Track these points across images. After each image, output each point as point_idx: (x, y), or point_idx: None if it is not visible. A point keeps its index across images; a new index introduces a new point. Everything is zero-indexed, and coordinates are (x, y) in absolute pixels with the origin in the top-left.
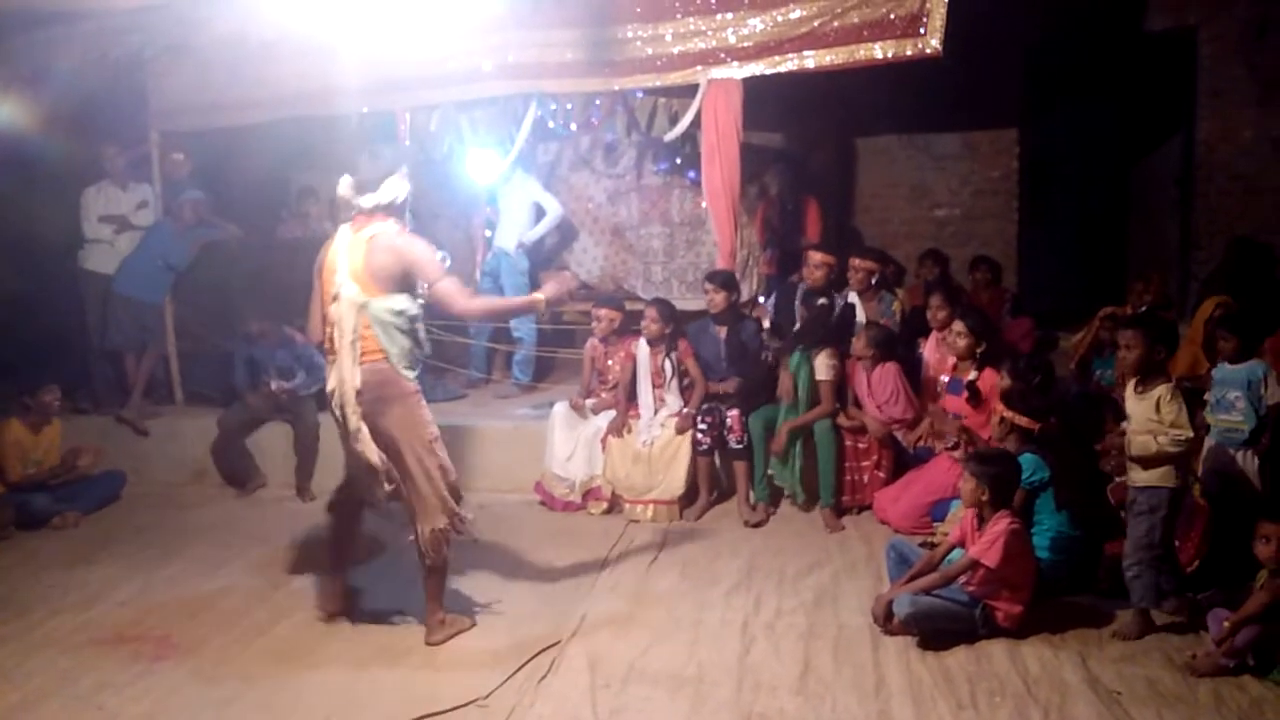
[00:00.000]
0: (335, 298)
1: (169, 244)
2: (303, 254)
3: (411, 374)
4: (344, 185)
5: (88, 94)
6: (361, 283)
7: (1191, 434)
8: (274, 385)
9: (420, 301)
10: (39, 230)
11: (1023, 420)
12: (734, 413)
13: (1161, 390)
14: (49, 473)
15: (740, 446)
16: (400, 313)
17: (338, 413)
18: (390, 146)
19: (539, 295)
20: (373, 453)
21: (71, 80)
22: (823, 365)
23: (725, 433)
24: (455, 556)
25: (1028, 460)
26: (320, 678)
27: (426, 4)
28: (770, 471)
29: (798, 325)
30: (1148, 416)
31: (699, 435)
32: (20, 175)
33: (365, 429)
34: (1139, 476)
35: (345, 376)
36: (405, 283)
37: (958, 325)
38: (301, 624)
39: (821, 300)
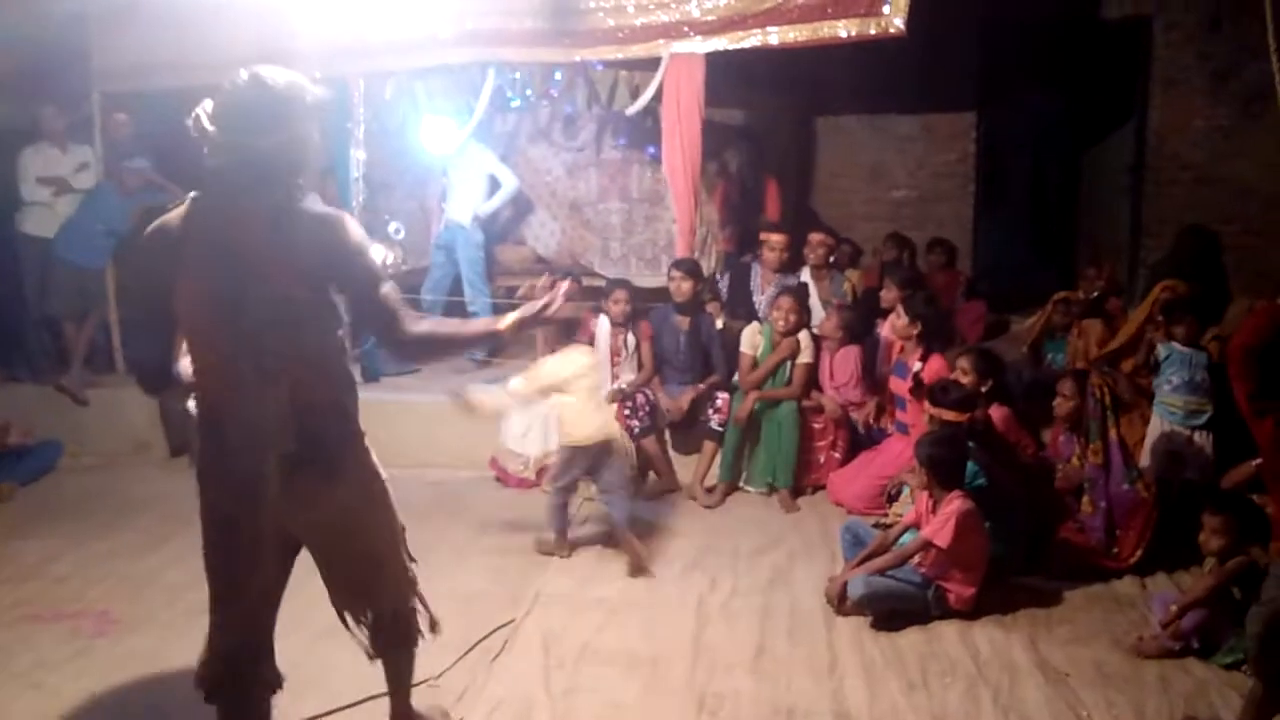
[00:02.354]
0: None
1: (111, 208)
2: None
3: None
4: None
5: (26, 52)
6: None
7: None
8: None
9: None
10: None
11: (949, 415)
12: (725, 396)
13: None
14: None
15: (719, 429)
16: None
17: None
18: None
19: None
20: None
21: (9, 37)
22: (805, 346)
23: (710, 413)
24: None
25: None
26: None
27: None
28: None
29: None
30: None
31: (627, 417)
32: None
33: None
34: None
35: None
36: None
37: (900, 309)
38: None
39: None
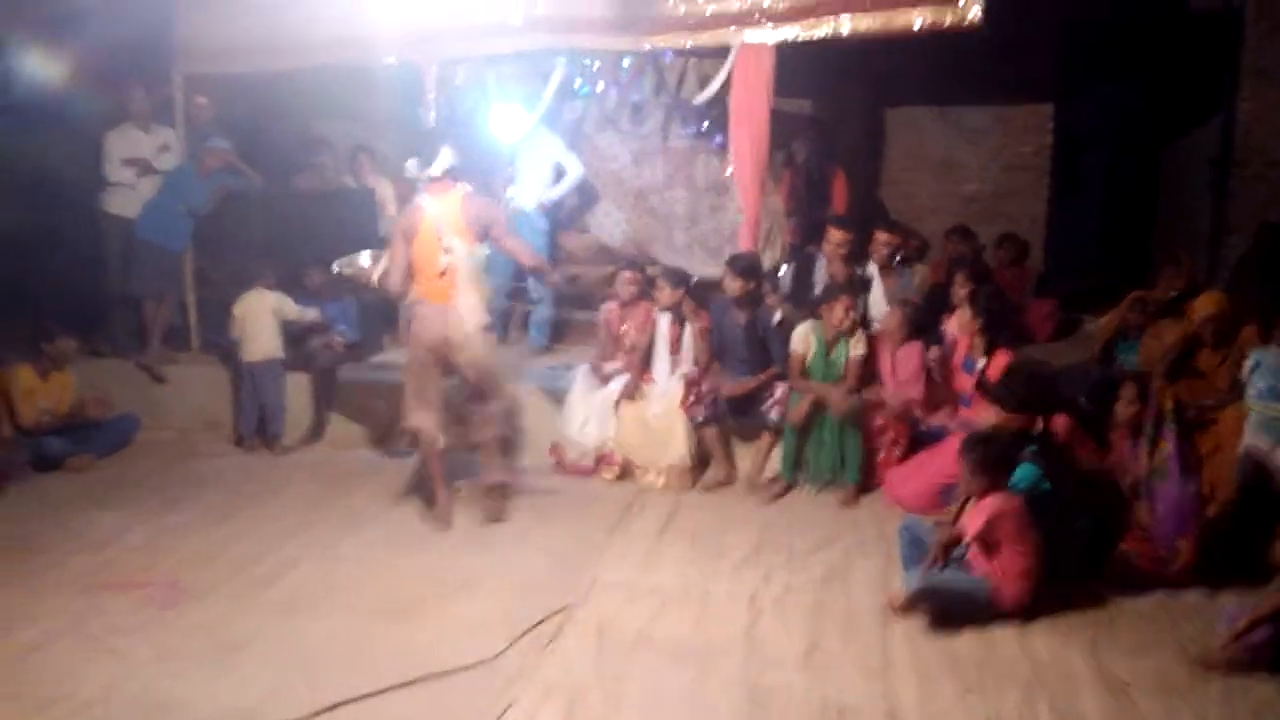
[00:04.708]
0: (448, 250)
1: (191, 190)
2: (321, 206)
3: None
4: (410, 166)
5: (111, 34)
6: (463, 236)
7: None
8: (337, 339)
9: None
10: (60, 172)
11: (1008, 419)
12: (784, 387)
13: None
14: (59, 420)
15: (778, 421)
16: (487, 257)
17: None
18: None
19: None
20: (478, 354)
21: (95, 20)
22: (859, 342)
23: (767, 406)
24: (463, 516)
25: (1027, 471)
26: (327, 630)
27: None
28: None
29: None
30: None
31: (690, 405)
32: (42, 116)
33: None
34: None
35: (466, 312)
36: (484, 235)
37: (965, 305)
38: (311, 576)
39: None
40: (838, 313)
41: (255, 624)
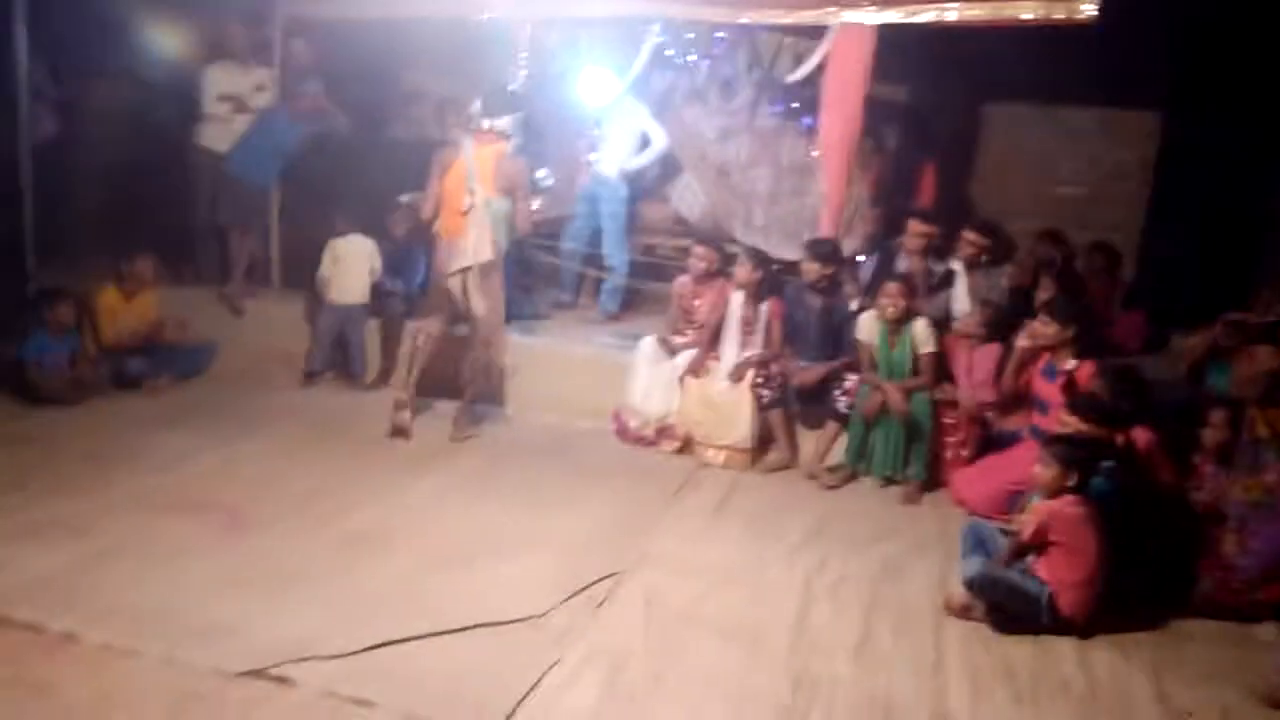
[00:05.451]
0: (471, 192)
1: (283, 131)
2: (405, 154)
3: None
4: (475, 107)
5: None
6: (487, 186)
7: None
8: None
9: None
10: (157, 104)
11: (1087, 428)
12: (854, 377)
13: None
14: (139, 339)
15: (846, 411)
16: (506, 212)
17: (460, 276)
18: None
19: None
20: (480, 305)
21: None
22: (925, 336)
23: (836, 396)
24: (525, 472)
25: (1101, 484)
26: (382, 573)
27: None
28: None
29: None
30: None
31: (758, 386)
32: (141, 48)
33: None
34: None
35: (474, 249)
36: (509, 192)
37: (1042, 313)
38: (375, 518)
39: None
40: (883, 300)
41: (312, 558)
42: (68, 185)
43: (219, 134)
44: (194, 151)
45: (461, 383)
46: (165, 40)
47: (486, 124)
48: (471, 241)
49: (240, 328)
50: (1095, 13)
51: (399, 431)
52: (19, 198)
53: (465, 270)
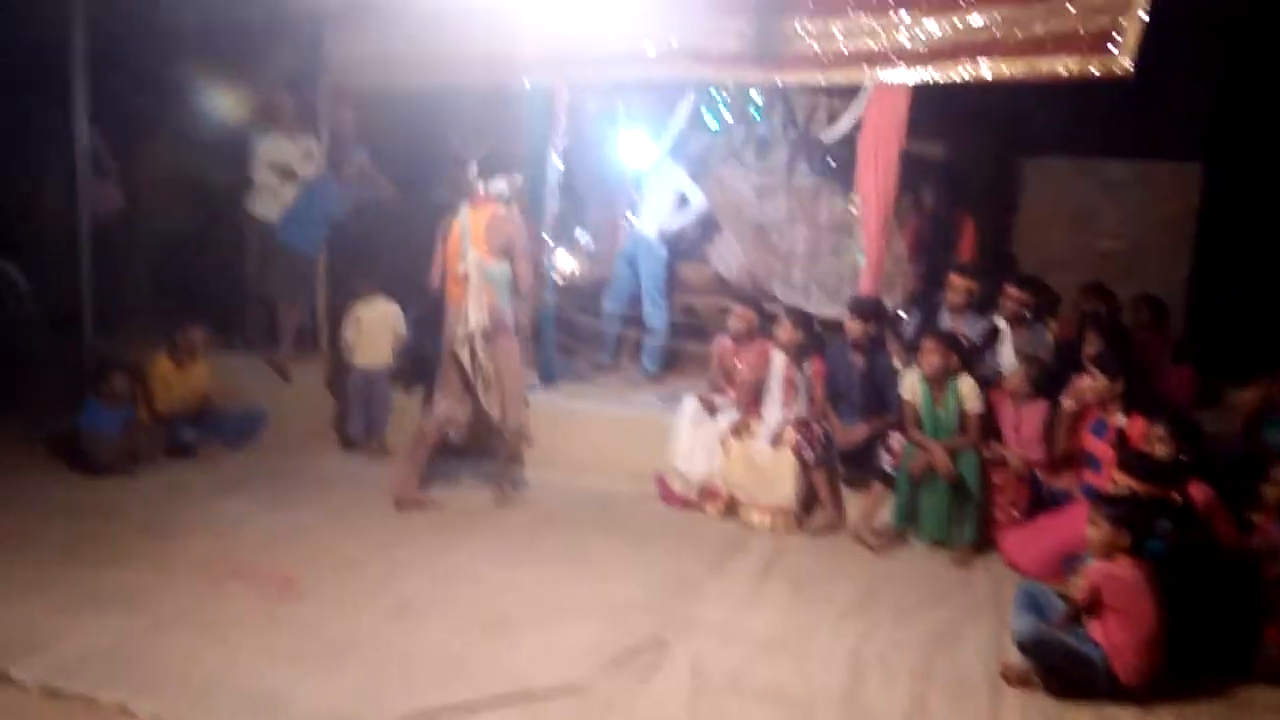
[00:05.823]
0: (463, 257)
1: (329, 198)
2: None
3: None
4: (472, 169)
5: (262, 40)
6: (480, 249)
7: None
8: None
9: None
10: (212, 175)
11: (1139, 486)
12: (899, 437)
13: None
14: (191, 408)
15: (891, 472)
16: (503, 274)
17: (467, 342)
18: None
19: None
20: (490, 369)
21: (248, 26)
22: (972, 395)
23: (880, 454)
24: (568, 535)
25: (1157, 545)
26: (427, 641)
27: None
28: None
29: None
30: None
31: (802, 449)
32: (197, 117)
33: (483, 354)
34: None
35: (473, 315)
36: (506, 252)
37: (1091, 368)
38: (421, 585)
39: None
40: (924, 355)
41: (360, 627)
42: (124, 255)
43: (268, 202)
44: (244, 220)
45: (495, 446)
46: (215, 104)
47: (481, 188)
48: (471, 307)
49: (288, 393)
50: (1131, 67)
51: (410, 505)
52: (78, 270)
53: (470, 336)
